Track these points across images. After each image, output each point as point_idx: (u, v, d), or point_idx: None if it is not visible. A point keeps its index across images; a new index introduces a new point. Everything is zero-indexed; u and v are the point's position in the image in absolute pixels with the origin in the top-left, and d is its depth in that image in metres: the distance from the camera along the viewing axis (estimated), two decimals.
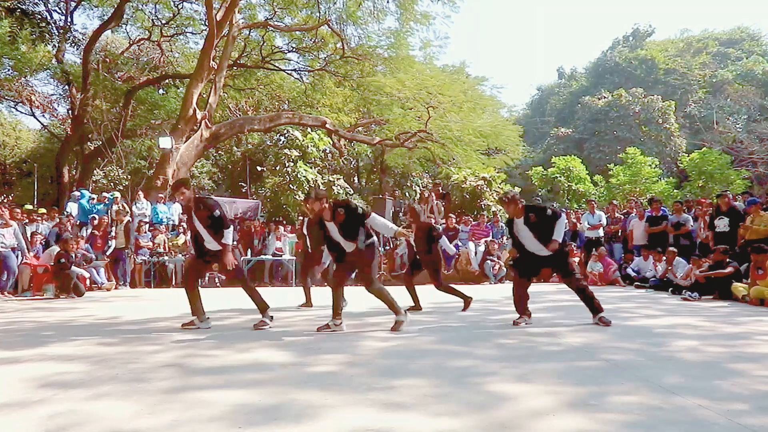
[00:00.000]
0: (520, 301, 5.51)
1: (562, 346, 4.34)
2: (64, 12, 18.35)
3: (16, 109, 23.56)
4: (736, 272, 7.86)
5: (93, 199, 13.33)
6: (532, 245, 5.40)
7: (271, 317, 5.47)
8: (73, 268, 9.67)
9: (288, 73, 21.87)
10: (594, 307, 5.37)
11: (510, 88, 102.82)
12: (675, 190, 23.64)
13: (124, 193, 16.69)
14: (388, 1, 17.46)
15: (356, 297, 6.99)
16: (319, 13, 17.34)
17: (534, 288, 8.97)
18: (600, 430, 2.35)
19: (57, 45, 18.09)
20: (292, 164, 18.80)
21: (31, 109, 22.05)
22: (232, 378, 3.34)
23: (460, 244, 12.40)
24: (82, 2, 18.71)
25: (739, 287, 7.55)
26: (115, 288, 10.99)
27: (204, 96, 16.92)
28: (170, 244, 12.58)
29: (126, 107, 19.15)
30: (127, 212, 12.26)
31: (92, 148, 20.56)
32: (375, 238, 5.29)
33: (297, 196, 17.82)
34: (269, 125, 18.31)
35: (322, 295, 7.25)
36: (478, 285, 11.30)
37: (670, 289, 8.82)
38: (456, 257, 11.87)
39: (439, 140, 17.90)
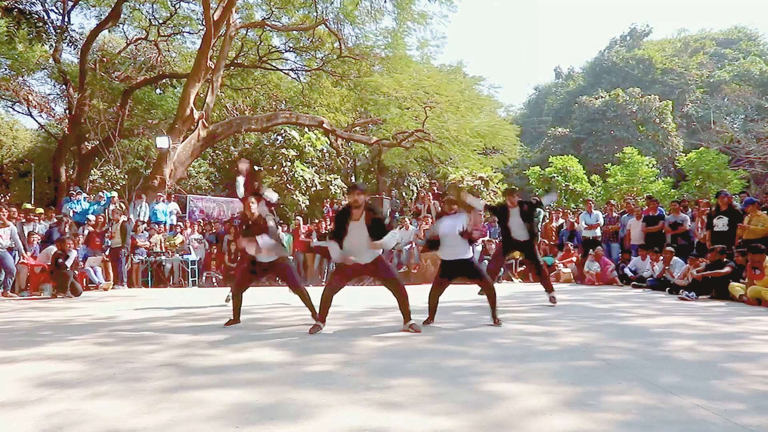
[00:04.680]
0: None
1: (558, 345, 4.35)
2: (61, 11, 18.28)
3: (14, 109, 23.53)
4: (734, 272, 7.87)
5: (88, 197, 13.33)
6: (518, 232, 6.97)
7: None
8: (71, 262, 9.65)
9: (285, 73, 21.87)
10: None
11: (507, 87, 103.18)
12: (672, 190, 23.64)
13: (121, 192, 16.65)
14: (385, 1, 17.50)
15: (355, 297, 6.97)
16: (316, 12, 17.35)
17: (532, 288, 8.99)
18: (596, 429, 2.36)
19: (54, 44, 18.05)
20: (289, 164, 18.80)
21: (29, 109, 21.97)
22: (229, 377, 3.34)
23: None
24: (80, 2, 18.65)
25: (736, 287, 7.55)
26: (112, 287, 10.97)
27: (201, 96, 16.91)
28: (167, 243, 12.57)
29: (123, 107, 19.11)
30: (124, 212, 12.24)
31: (89, 148, 20.50)
32: None
33: (294, 196, 17.82)
34: (266, 125, 18.31)
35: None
36: (475, 285, 11.28)
37: (667, 288, 8.82)
38: None
39: (436, 140, 17.89)
